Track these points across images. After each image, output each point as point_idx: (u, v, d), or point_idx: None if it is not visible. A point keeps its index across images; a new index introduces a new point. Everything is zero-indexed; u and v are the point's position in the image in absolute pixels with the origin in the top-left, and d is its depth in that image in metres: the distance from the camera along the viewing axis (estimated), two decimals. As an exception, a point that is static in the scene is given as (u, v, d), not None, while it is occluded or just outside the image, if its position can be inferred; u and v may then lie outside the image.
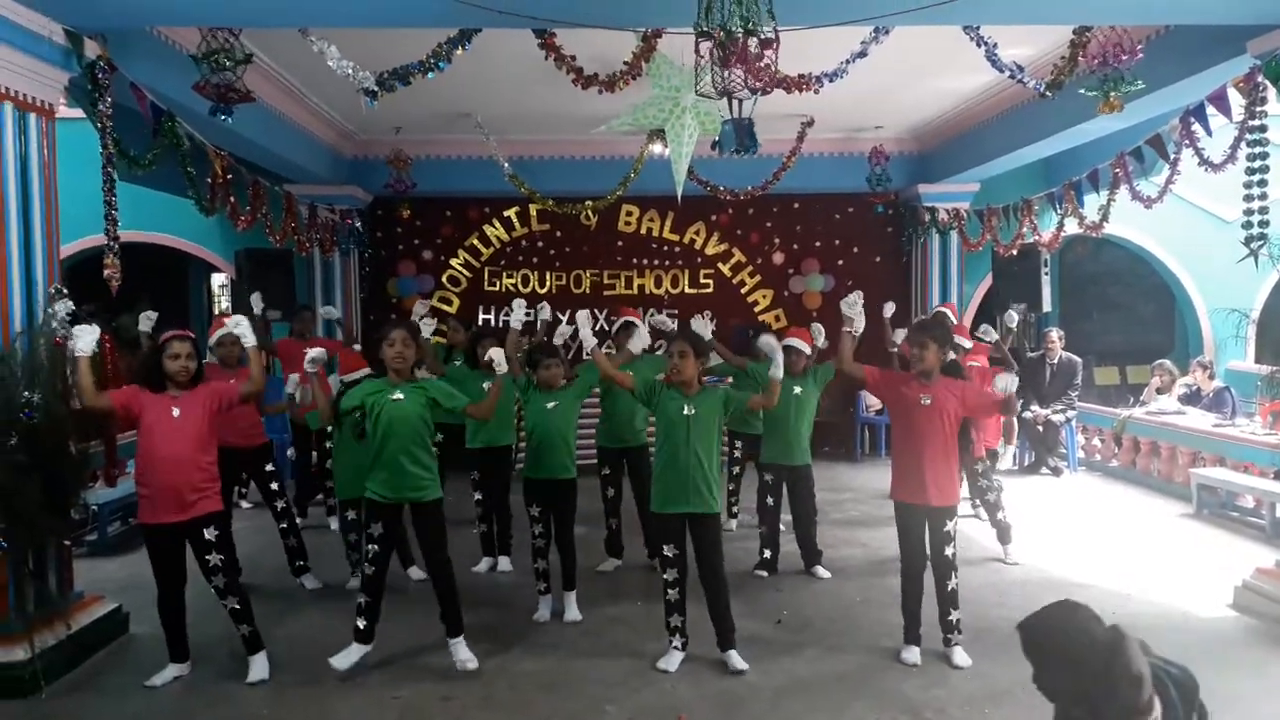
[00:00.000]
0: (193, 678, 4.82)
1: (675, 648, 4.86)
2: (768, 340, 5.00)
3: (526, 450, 5.64)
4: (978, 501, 7.31)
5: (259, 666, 4.77)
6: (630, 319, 6.67)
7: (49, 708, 4.48)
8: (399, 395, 4.71)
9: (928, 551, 4.93)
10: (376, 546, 4.75)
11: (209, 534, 4.59)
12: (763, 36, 3.42)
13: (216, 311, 15.90)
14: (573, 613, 5.62)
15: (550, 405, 5.55)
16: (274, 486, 6.29)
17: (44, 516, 4.54)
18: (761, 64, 3.48)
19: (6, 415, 4.35)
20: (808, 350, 6.58)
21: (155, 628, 5.44)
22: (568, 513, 5.66)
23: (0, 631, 4.57)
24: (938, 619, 4.96)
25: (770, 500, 6.52)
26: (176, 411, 4.52)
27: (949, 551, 4.87)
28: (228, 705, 4.53)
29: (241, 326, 4.79)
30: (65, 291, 4.79)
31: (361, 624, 4.77)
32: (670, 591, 4.83)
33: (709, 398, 4.81)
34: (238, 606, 4.72)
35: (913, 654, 4.92)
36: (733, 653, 4.81)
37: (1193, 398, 9.47)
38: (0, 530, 4.37)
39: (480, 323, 11.29)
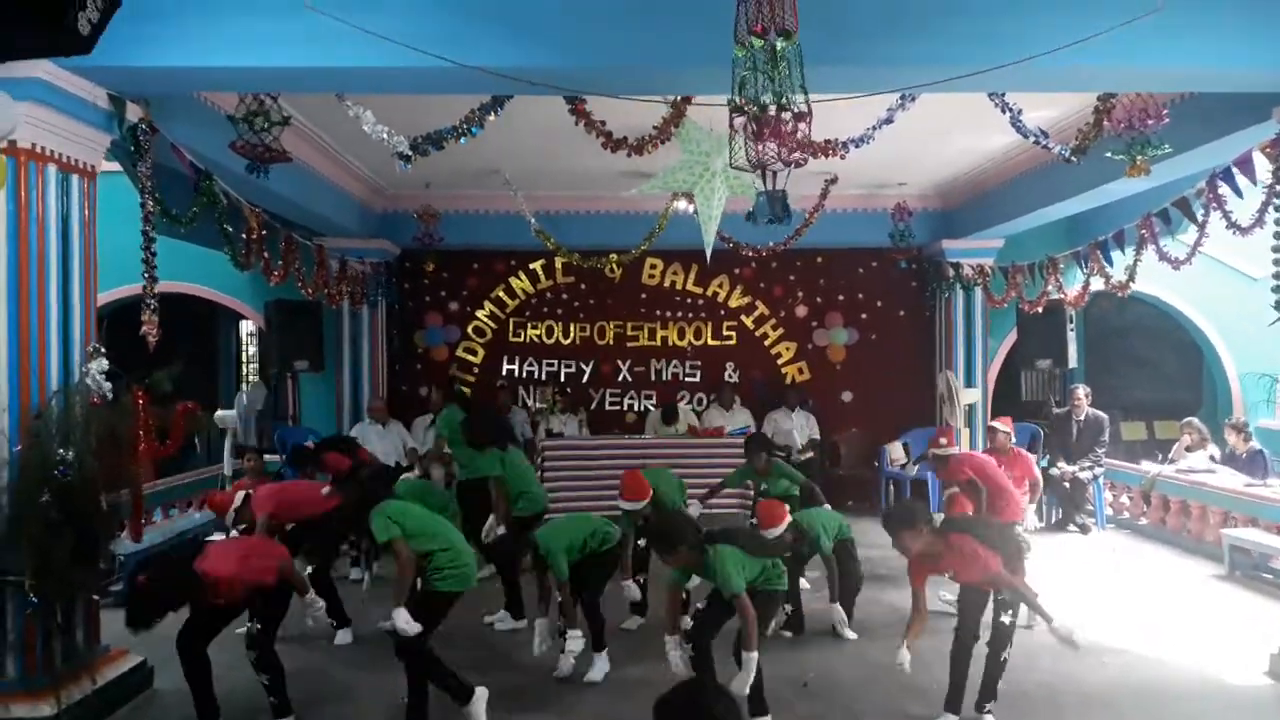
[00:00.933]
0: None
1: None
2: None
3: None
4: None
5: None
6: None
7: (72, 764, 4.49)
8: None
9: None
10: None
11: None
12: (795, 110, 3.47)
13: (244, 359, 16.11)
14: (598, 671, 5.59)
15: None
16: None
17: (74, 571, 4.59)
18: (795, 137, 3.53)
19: (41, 473, 4.41)
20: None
21: (179, 683, 5.45)
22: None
23: (29, 686, 4.60)
24: (979, 686, 4.88)
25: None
26: None
27: (1006, 619, 4.84)
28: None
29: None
30: (102, 350, 4.87)
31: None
32: None
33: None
34: (267, 683, 4.82)
35: None
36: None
37: (1228, 459, 9.33)
38: (31, 586, 4.40)
39: (505, 372, 11.39)
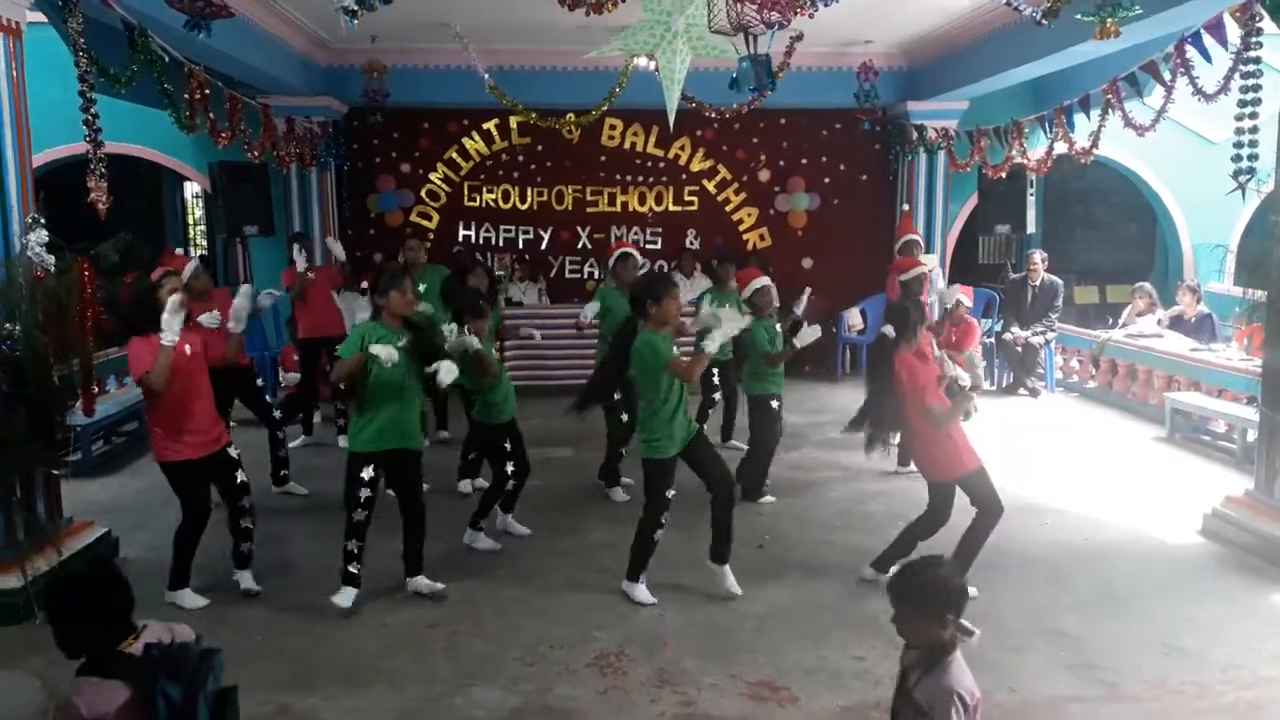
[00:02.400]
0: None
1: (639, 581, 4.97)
2: (709, 314, 4.81)
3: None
4: None
5: (248, 579, 5.00)
6: (626, 250, 6.61)
7: (43, 633, 4.50)
8: (401, 342, 4.70)
9: None
10: (369, 492, 4.79)
11: (233, 452, 4.88)
12: None
13: (191, 221, 15.67)
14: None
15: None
16: (265, 400, 6.68)
17: (30, 446, 4.54)
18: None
19: (-13, 347, 4.30)
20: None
21: (145, 551, 5.56)
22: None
23: (-8, 560, 4.61)
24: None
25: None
26: (188, 348, 4.63)
27: None
28: (226, 629, 4.60)
29: (240, 314, 4.97)
30: (41, 220, 4.68)
31: (354, 568, 4.85)
32: (659, 533, 4.87)
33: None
34: (251, 525, 4.98)
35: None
36: (725, 569, 4.97)
37: (1177, 323, 9.54)
38: (-15, 461, 4.35)
39: (460, 239, 11.17)
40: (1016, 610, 4.79)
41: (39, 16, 5.26)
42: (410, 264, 8.11)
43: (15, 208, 4.74)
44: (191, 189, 14.76)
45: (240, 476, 4.90)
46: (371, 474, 4.75)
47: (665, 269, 10.99)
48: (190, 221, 15.77)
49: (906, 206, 11.04)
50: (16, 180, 4.76)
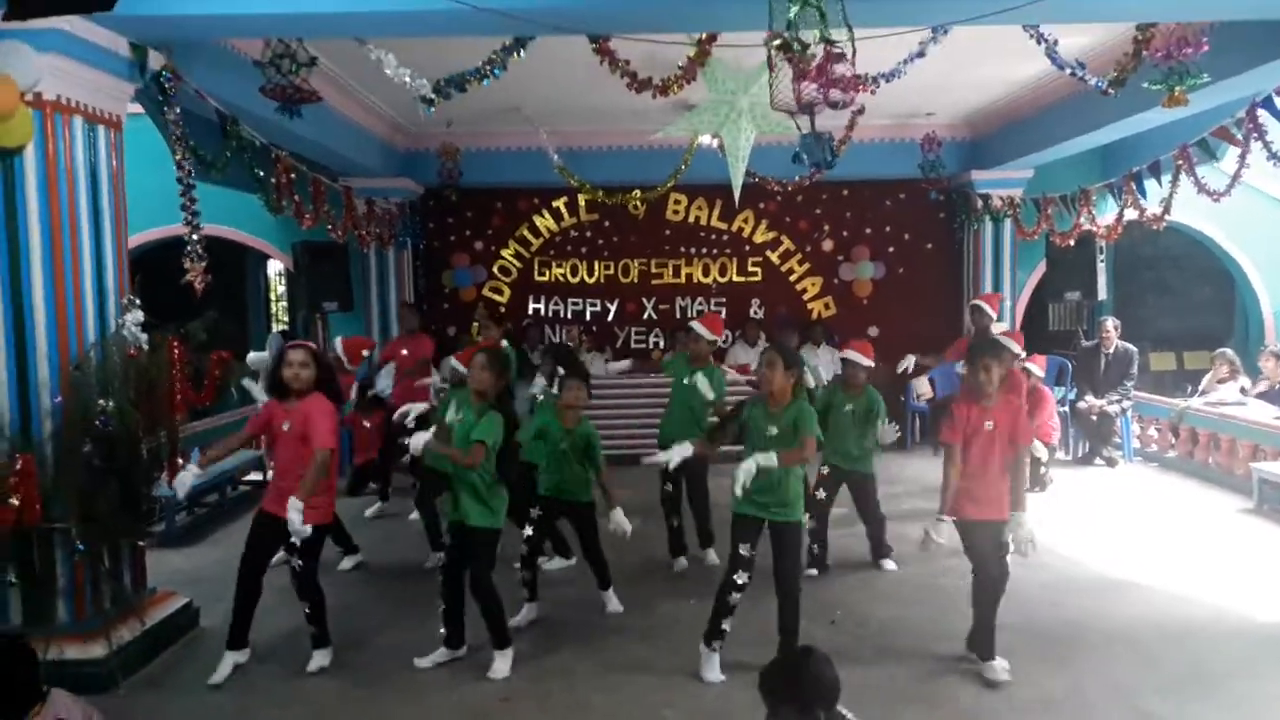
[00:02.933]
0: (254, 674, 4.95)
1: (715, 650, 4.85)
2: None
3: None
4: None
5: (318, 658, 5.00)
6: (695, 324, 6.69)
7: (126, 703, 4.64)
8: (460, 416, 4.85)
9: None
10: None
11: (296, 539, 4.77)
12: (838, 50, 3.36)
13: (273, 298, 16.21)
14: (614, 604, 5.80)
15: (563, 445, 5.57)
16: None
17: (118, 517, 4.72)
18: (839, 77, 3.43)
19: (83, 423, 4.51)
20: (867, 363, 6.42)
21: (223, 621, 5.60)
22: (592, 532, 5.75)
23: (80, 629, 4.76)
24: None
25: (822, 494, 6.54)
26: (286, 425, 4.78)
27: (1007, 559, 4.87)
28: (295, 703, 4.66)
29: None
30: (137, 302, 4.93)
31: (444, 630, 4.96)
32: (734, 595, 4.78)
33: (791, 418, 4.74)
34: (308, 611, 4.96)
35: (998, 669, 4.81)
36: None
37: (1266, 393, 9.23)
38: (77, 532, 4.53)
39: (530, 312, 11.39)
40: (1100, 690, 4.62)
41: (135, 107, 5.59)
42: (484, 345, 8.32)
43: (113, 290, 5.00)
44: (275, 267, 15.30)
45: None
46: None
47: (730, 338, 11.05)
48: (273, 298, 16.33)
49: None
50: (114, 264, 5.02)
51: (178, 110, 5.16)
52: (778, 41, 3.51)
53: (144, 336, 4.79)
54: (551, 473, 5.60)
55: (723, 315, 10.95)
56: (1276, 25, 5.62)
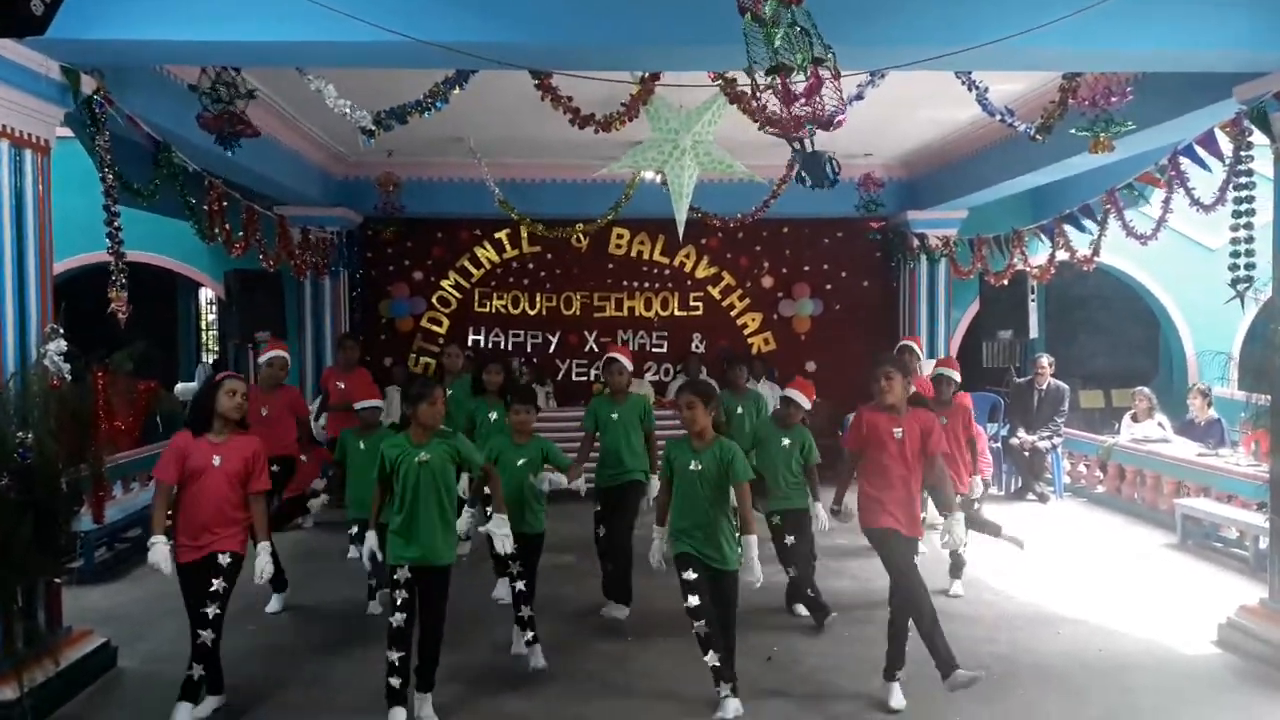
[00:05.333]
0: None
1: (725, 695, 4.67)
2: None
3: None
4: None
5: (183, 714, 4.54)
6: (614, 355, 6.49)
7: (39, 749, 4.46)
8: (424, 456, 4.59)
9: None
10: (405, 594, 4.57)
11: (221, 559, 4.58)
12: (829, 68, 3.39)
13: (204, 327, 15.87)
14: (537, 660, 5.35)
15: (520, 462, 5.42)
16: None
17: (35, 555, 4.52)
18: (828, 94, 3.46)
19: (0, 455, 4.33)
20: (806, 405, 6.44)
21: (142, 663, 5.47)
22: (533, 565, 5.50)
23: (-10, 671, 4.54)
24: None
25: (790, 539, 6.31)
26: (217, 460, 4.57)
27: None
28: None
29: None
30: (60, 331, 4.78)
31: (395, 682, 4.56)
32: (707, 649, 4.65)
33: (715, 456, 4.69)
34: (208, 644, 4.59)
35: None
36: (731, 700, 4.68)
37: (1185, 428, 9.49)
38: (-9, 571, 4.33)
39: (470, 343, 11.29)
40: (1032, 726, 4.67)
41: (64, 130, 5.44)
42: (447, 370, 8.19)
43: (35, 318, 4.84)
44: (206, 295, 15.01)
45: (217, 584, 4.56)
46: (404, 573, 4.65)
47: (672, 371, 11.09)
48: (203, 327, 16.00)
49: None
50: (37, 291, 4.87)
51: (108, 135, 5.04)
52: (766, 68, 3.48)
53: (66, 366, 4.63)
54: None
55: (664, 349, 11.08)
56: (1195, 78, 5.85)
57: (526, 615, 5.36)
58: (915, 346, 7.99)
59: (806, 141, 4.27)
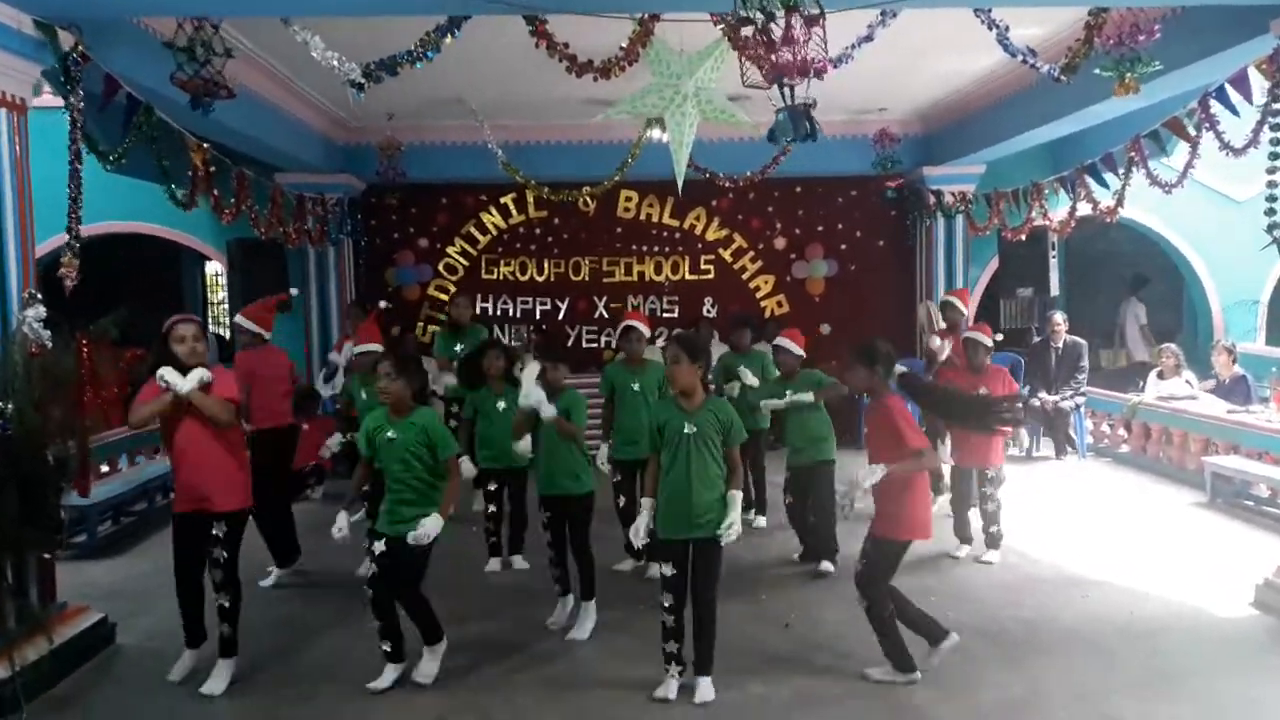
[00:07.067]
0: (192, 688, 4.63)
1: (672, 676, 4.50)
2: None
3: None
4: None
5: (220, 676, 4.62)
6: (632, 323, 6.32)
7: (31, 728, 4.33)
8: (392, 435, 4.53)
9: None
10: (378, 568, 4.60)
11: (217, 529, 4.57)
12: (807, 13, 3.15)
13: (212, 299, 15.72)
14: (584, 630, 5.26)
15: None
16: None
17: (21, 529, 4.37)
18: (812, 41, 3.23)
19: (-21, 427, 4.16)
20: (797, 352, 6.32)
21: (143, 639, 5.34)
22: (583, 526, 5.33)
23: (-22, 649, 4.40)
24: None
25: (790, 498, 6.43)
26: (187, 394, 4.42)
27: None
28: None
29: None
30: (39, 296, 4.59)
31: (386, 646, 4.63)
32: (668, 617, 4.45)
33: (710, 414, 4.41)
34: (225, 604, 4.64)
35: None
36: (704, 680, 4.46)
37: (1216, 387, 9.22)
38: (-26, 546, 4.18)
39: (478, 311, 11.06)
40: (1062, 693, 4.46)
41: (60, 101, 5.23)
42: (455, 321, 8.00)
43: (15, 286, 4.65)
44: (213, 268, 14.84)
45: (216, 552, 4.58)
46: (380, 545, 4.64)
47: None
48: (211, 300, 15.83)
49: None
50: (17, 257, 4.68)
51: (80, 94, 4.82)
52: (740, 13, 3.25)
53: (46, 334, 4.45)
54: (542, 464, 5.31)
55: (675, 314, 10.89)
56: (1229, 12, 5.54)
57: (557, 574, 5.36)
58: (958, 302, 7.70)
59: (788, 91, 4.00)
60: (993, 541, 6.48)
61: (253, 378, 5.92)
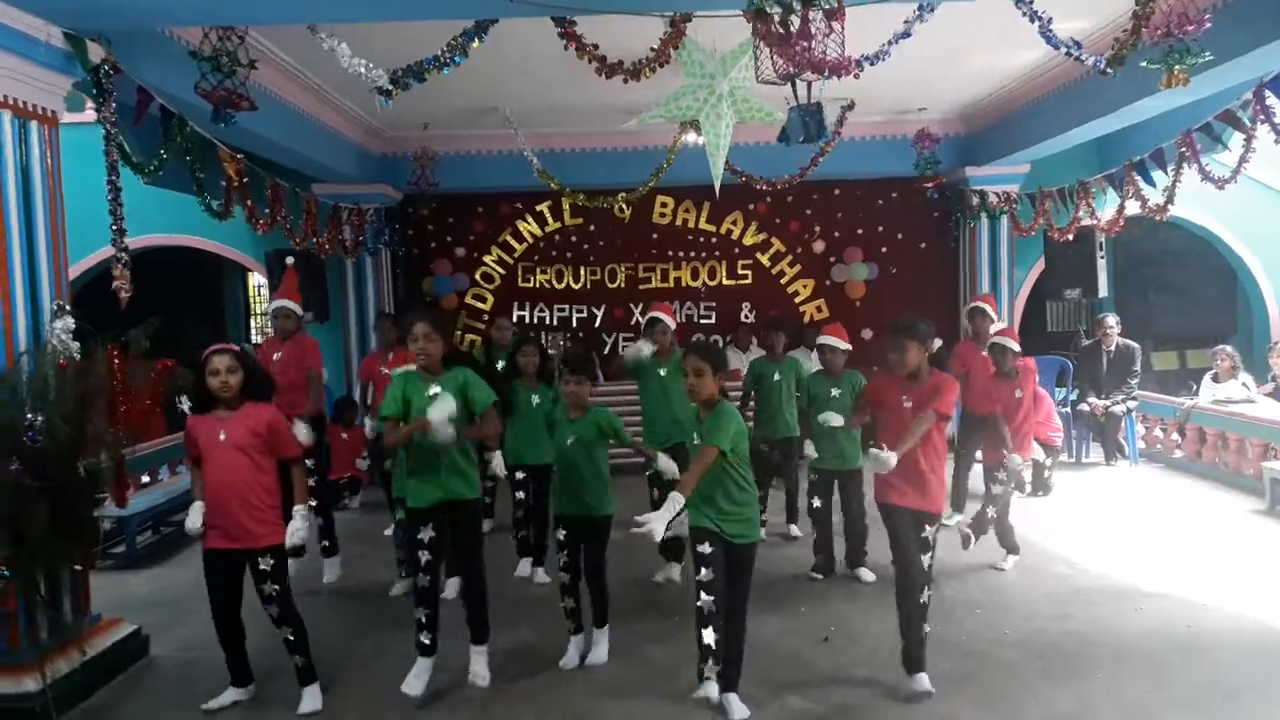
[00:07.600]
0: (243, 706, 4.57)
1: (709, 678, 4.32)
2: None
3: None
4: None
5: (310, 699, 4.53)
6: (657, 314, 6.30)
7: (63, 741, 4.32)
8: (435, 389, 4.43)
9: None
10: (428, 554, 4.52)
11: (264, 564, 4.39)
12: (826, 7, 3.04)
13: (255, 311, 15.87)
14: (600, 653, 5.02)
15: (569, 441, 4.92)
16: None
17: (54, 541, 4.36)
18: (828, 38, 3.11)
19: (10, 439, 4.16)
20: (843, 346, 6.19)
21: (177, 649, 5.33)
22: (599, 549, 5.02)
23: (10, 661, 4.41)
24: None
25: (818, 502, 6.29)
26: (223, 435, 4.34)
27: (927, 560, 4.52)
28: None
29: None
30: (67, 308, 4.60)
31: (425, 639, 4.55)
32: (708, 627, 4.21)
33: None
34: (291, 637, 4.52)
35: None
36: (732, 697, 4.30)
37: (1275, 390, 8.90)
38: (3, 557, 4.17)
39: (514, 319, 11.02)
40: (1113, 709, 4.28)
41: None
42: (495, 343, 7.99)
43: (47, 299, 4.66)
44: (255, 280, 14.97)
45: (268, 589, 4.40)
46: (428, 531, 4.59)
47: (721, 342, 10.71)
48: (255, 311, 15.98)
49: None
50: (49, 271, 4.69)
51: (113, 107, 4.83)
52: (757, 6, 3.14)
53: (75, 345, 4.45)
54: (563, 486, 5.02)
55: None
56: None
57: (569, 607, 5.02)
58: (987, 308, 7.50)
59: (803, 89, 3.87)
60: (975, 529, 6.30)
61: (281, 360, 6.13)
